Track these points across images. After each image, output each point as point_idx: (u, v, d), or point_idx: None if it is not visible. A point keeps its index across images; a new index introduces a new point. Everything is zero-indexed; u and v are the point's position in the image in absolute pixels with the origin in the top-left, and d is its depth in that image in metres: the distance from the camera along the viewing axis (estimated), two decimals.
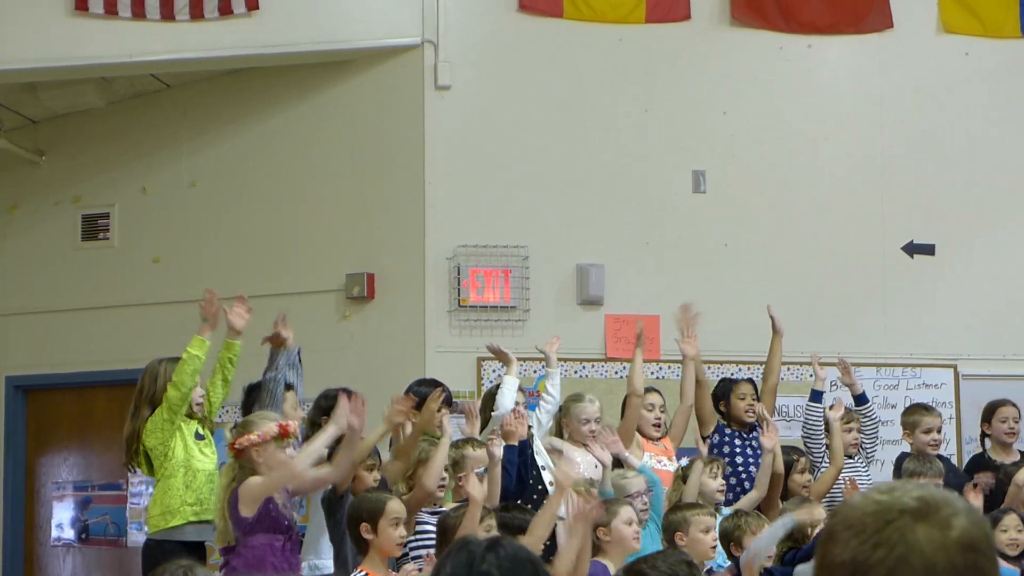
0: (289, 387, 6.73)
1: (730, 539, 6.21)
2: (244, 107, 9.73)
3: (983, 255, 9.85)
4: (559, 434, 7.31)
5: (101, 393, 10.01)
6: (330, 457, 6.07)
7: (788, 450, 7.38)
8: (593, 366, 9.17)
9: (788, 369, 9.32)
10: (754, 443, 7.61)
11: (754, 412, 7.74)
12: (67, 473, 10.31)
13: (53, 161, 10.31)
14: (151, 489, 6.85)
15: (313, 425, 6.63)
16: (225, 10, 8.94)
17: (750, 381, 8.02)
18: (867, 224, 9.69)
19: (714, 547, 6.20)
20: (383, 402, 7.14)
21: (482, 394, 7.61)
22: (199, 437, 6.56)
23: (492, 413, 7.02)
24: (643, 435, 7.51)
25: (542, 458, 6.98)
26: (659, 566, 4.03)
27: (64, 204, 10.17)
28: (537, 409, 7.36)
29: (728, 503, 7.12)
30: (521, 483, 6.68)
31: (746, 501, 7.12)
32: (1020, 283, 9.80)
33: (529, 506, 6.31)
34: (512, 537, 3.81)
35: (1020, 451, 8.21)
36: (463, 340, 9.04)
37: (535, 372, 8.90)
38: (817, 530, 6.09)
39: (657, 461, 7.29)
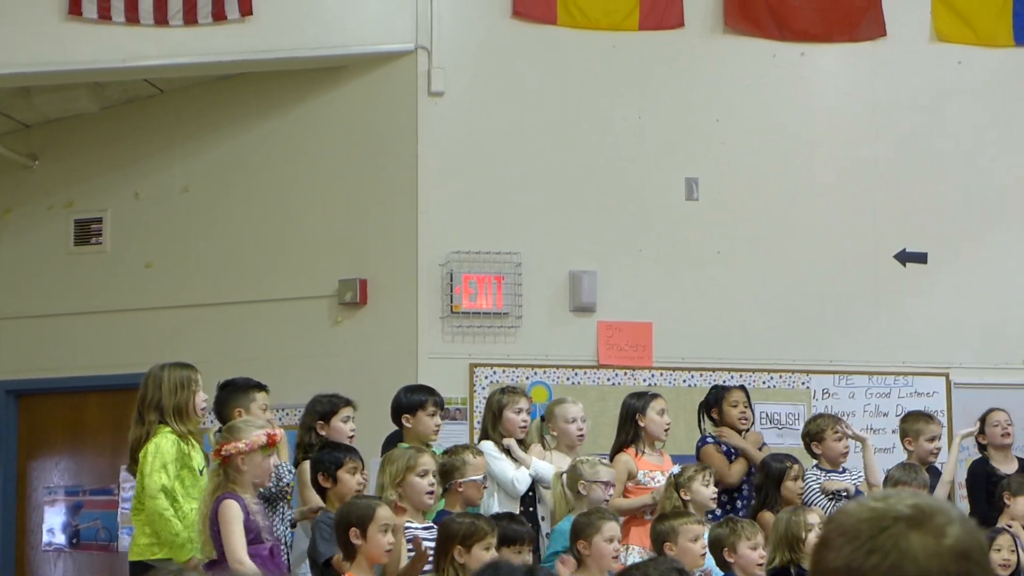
0: (261, 387, 6.64)
1: (722, 546, 6.20)
2: (237, 112, 9.71)
3: (976, 264, 9.85)
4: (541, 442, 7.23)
5: (93, 398, 9.99)
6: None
7: (781, 458, 7.36)
8: (585, 373, 9.16)
9: (780, 377, 9.34)
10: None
11: (747, 419, 7.76)
12: (58, 478, 10.29)
13: (46, 165, 10.29)
14: None
15: (307, 430, 6.62)
16: (219, 15, 8.94)
17: (742, 388, 8.01)
18: (859, 232, 9.70)
19: (703, 555, 6.20)
20: (375, 408, 7.12)
21: (485, 402, 7.41)
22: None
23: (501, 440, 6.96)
24: (651, 440, 7.34)
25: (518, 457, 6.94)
26: (651, 573, 4.03)
27: (57, 209, 10.15)
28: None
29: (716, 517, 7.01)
30: None
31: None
32: (1012, 292, 9.81)
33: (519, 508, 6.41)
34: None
35: (1018, 457, 8.23)
36: (455, 346, 9.04)
37: (527, 379, 8.92)
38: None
39: (651, 478, 7.12)
